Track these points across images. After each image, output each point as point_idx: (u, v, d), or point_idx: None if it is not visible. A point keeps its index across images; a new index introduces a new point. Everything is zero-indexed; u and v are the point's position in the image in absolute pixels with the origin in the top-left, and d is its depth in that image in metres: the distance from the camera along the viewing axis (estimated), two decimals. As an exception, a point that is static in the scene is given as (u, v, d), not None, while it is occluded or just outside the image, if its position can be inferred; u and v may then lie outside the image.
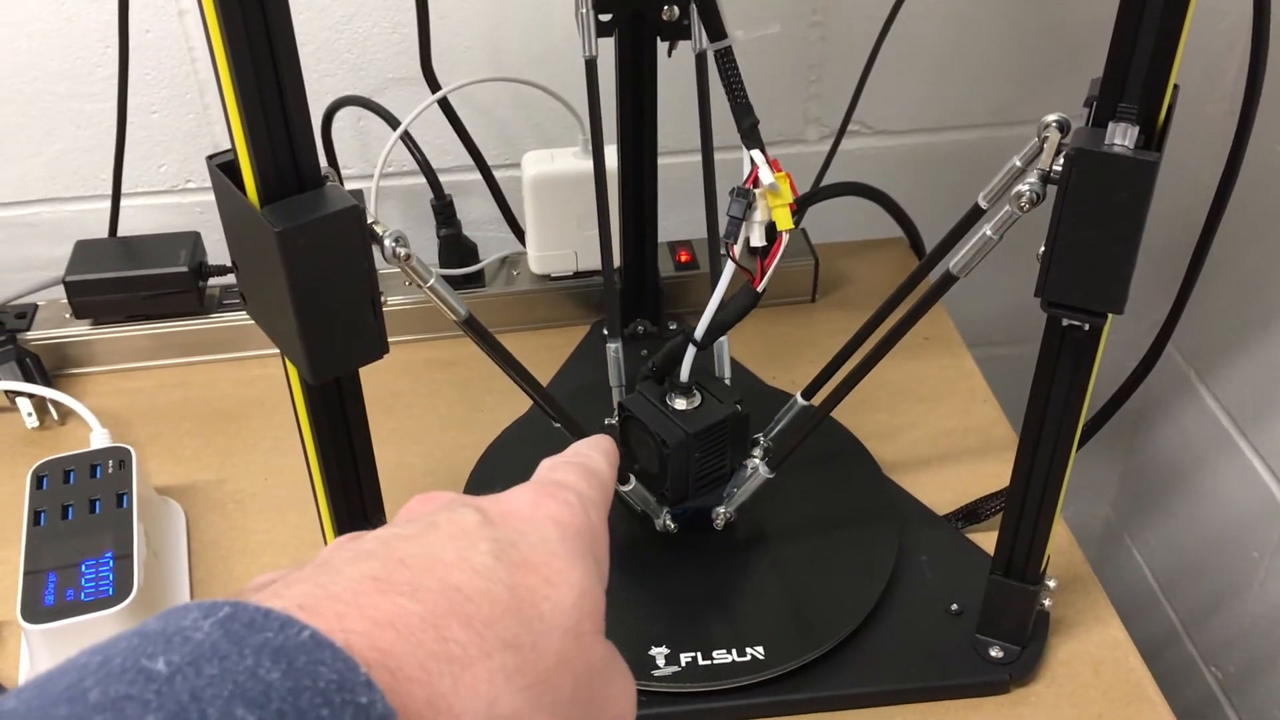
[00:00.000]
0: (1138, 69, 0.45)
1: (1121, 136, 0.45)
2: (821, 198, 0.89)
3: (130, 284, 0.81)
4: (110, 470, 0.68)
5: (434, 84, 0.84)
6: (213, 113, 0.90)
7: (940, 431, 0.79)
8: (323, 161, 0.48)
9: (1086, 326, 0.50)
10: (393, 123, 0.83)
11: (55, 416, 0.80)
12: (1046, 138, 0.50)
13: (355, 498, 0.54)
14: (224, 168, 0.47)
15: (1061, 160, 0.47)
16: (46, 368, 0.81)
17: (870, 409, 0.79)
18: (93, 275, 0.81)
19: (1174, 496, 1.13)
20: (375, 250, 0.48)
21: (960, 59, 0.97)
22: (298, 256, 0.44)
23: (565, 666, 0.29)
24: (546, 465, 0.38)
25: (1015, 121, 1.00)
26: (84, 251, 0.83)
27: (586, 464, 0.38)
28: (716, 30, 0.58)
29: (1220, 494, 1.05)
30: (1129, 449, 1.20)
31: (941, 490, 0.74)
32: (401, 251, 0.49)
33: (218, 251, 0.82)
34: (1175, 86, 0.47)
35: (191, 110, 0.90)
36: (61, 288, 0.81)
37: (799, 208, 0.90)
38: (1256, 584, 1.01)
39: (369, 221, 0.48)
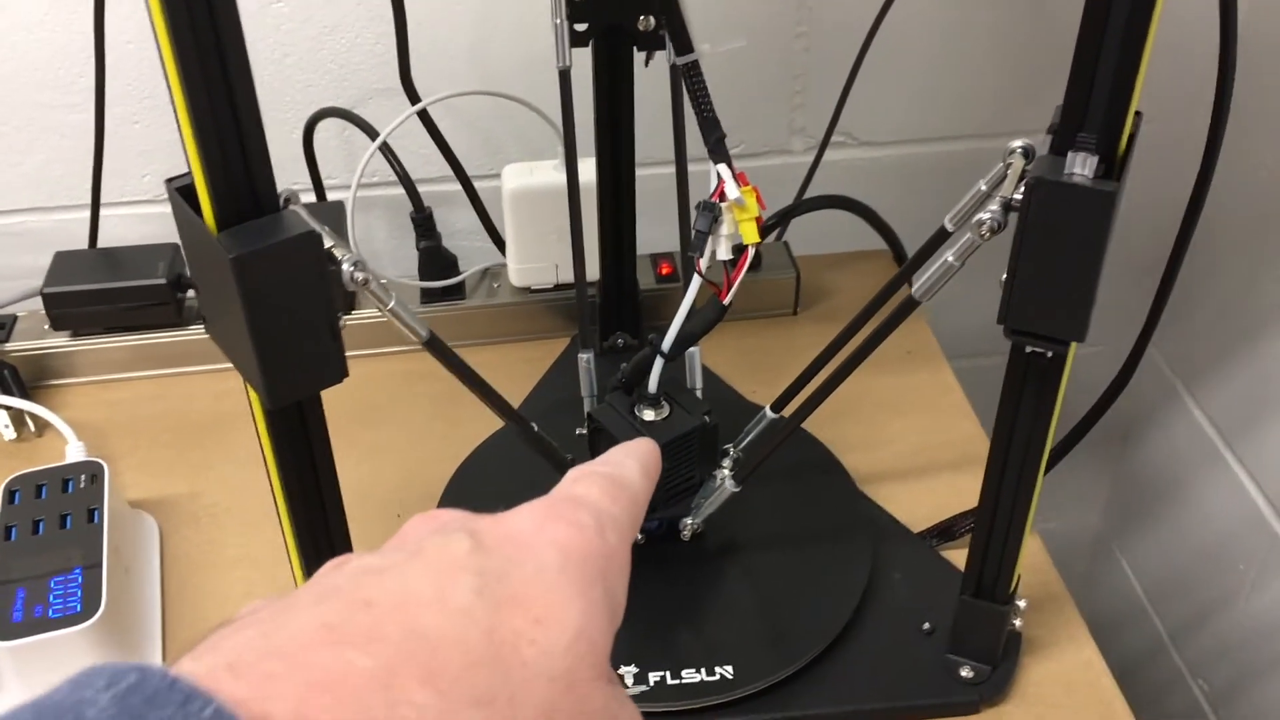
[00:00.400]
0: (1098, 98, 0.45)
1: (1081, 166, 0.45)
2: (803, 210, 0.89)
3: (108, 296, 0.81)
4: (82, 485, 0.68)
5: (413, 96, 0.84)
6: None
7: (918, 446, 0.79)
8: (290, 180, 0.48)
9: (1050, 354, 0.50)
10: (372, 134, 0.83)
11: (32, 428, 0.80)
12: (1011, 163, 0.50)
13: (319, 520, 0.54)
14: (182, 191, 0.47)
15: (1023, 188, 0.46)
16: (25, 379, 0.81)
17: (849, 422, 0.78)
18: (71, 287, 0.81)
19: (1162, 508, 1.13)
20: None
21: (947, 70, 0.97)
22: (254, 282, 0.44)
23: (551, 716, 0.26)
24: (571, 475, 0.34)
25: (1002, 133, 0.99)
26: (63, 263, 0.83)
27: (615, 474, 0.33)
28: (683, 44, 0.58)
29: (1207, 506, 1.05)
30: (1118, 459, 1.20)
31: (917, 506, 0.73)
32: (360, 276, 0.49)
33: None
34: (1138, 114, 0.47)
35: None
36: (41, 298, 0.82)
37: (781, 220, 0.90)
38: (1243, 597, 1.01)
39: (328, 245, 0.48)
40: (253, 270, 0.44)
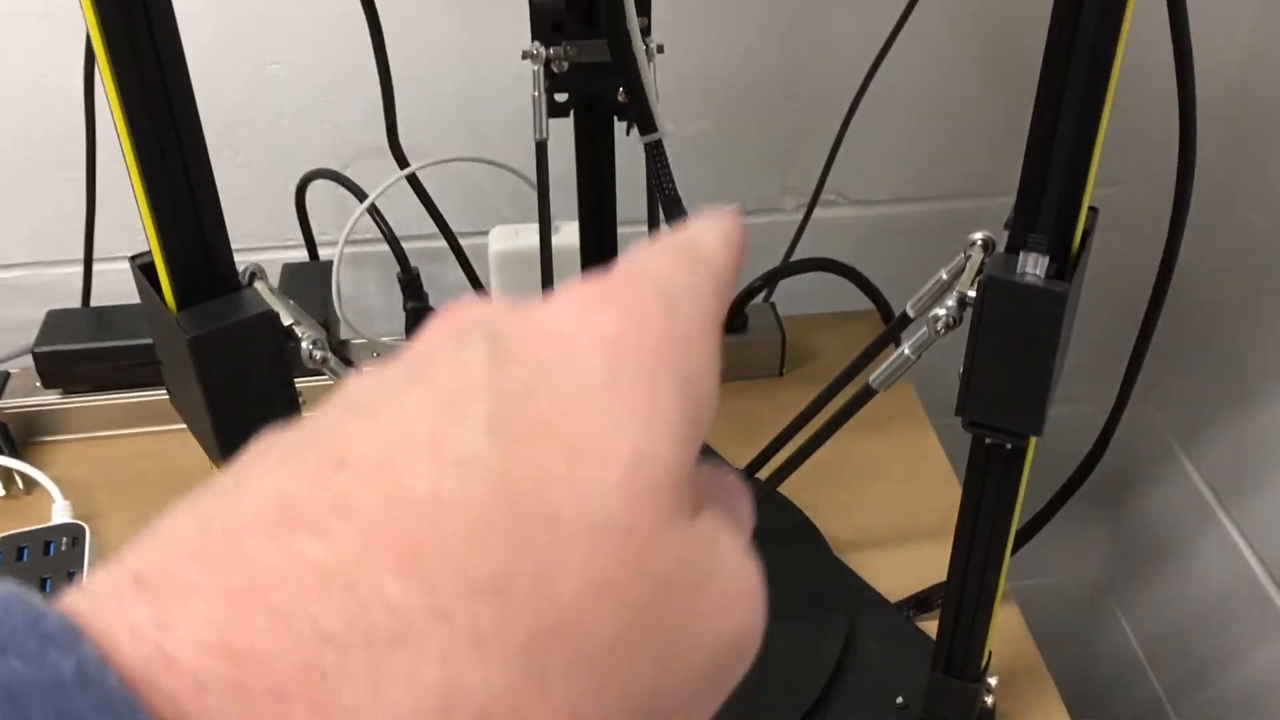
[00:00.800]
0: (1050, 198, 0.45)
1: (1033, 266, 0.45)
2: (789, 274, 0.89)
3: (99, 355, 0.82)
4: (64, 548, 0.69)
5: (401, 160, 0.85)
6: (192, 179, 0.91)
7: (899, 513, 0.79)
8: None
9: (1009, 446, 0.50)
10: (361, 196, 0.84)
11: (21, 486, 0.81)
12: (970, 256, 0.50)
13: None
14: (145, 269, 0.48)
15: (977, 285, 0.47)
16: (15, 436, 0.82)
17: (829, 487, 0.78)
18: (62, 347, 0.82)
19: (1159, 566, 1.13)
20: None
21: (938, 129, 0.97)
22: (210, 362, 0.45)
23: (602, 595, 0.18)
24: (634, 249, 0.25)
25: (992, 193, 1.00)
26: (54, 322, 0.84)
27: (689, 244, 0.25)
28: (647, 124, 0.59)
29: (1202, 567, 1.04)
30: (1115, 515, 1.20)
31: (895, 574, 0.73)
32: (319, 355, 0.49)
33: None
34: (1093, 210, 0.47)
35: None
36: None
37: (768, 282, 0.91)
38: (1238, 660, 1.00)
39: (288, 323, 0.49)
40: (209, 351, 0.45)
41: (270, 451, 0.20)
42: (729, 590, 0.21)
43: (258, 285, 0.48)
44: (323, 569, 0.17)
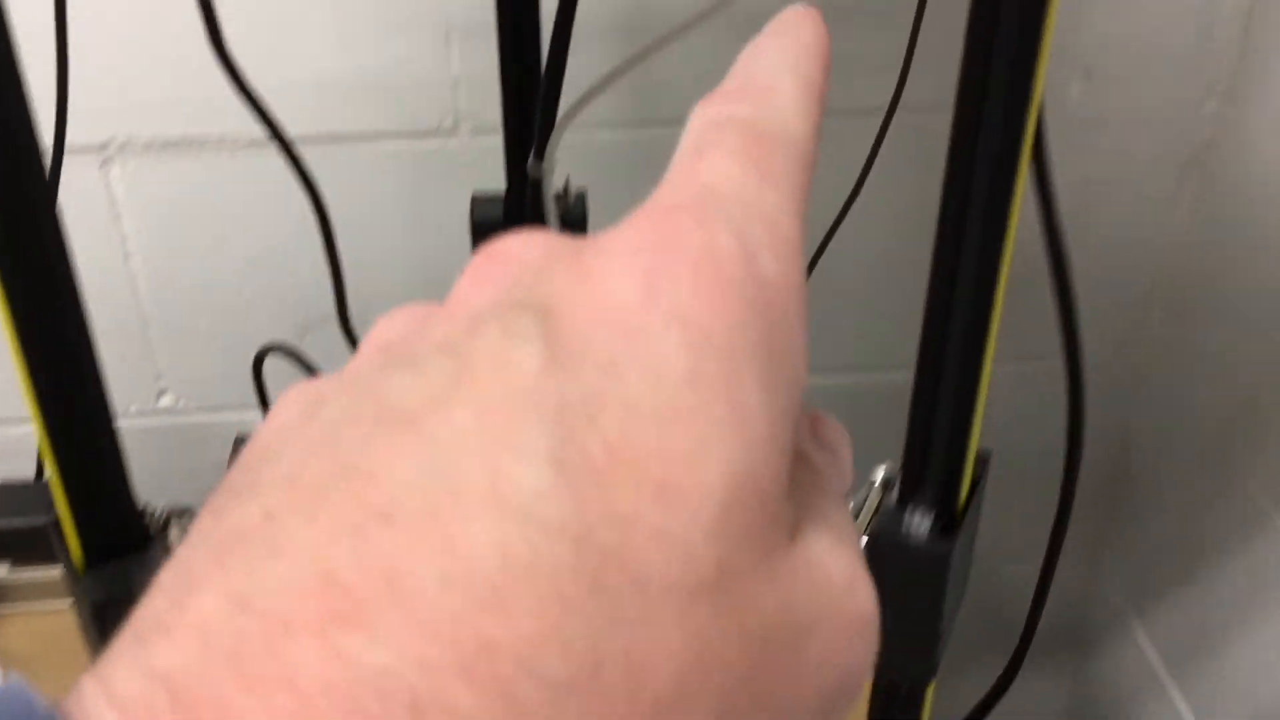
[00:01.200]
0: (935, 452, 0.47)
1: (919, 523, 0.46)
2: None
3: (51, 531, 0.83)
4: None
5: (353, 339, 0.87)
6: (156, 347, 0.93)
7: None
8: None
9: (905, 687, 0.51)
10: (313, 371, 0.85)
11: (-36, 662, 0.81)
12: (868, 497, 0.51)
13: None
14: (54, 526, 0.49)
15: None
16: (-38, 609, 0.83)
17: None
18: (12, 525, 0.82)
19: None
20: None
21: (891, 298, 0.99)
22: (112, 626, 0.46)
23: (700, 673, 0.15)
24: (692, 132, 0.19)
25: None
26: (4, 495, 0.85)
27: (761, 116, 0.19)
28: None
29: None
30: (1074, 679, 1.19)
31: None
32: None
33: (145, 489, 0.85)
34: (984, 457, 0.48)
35: (134, 342, 0.94)
36: (-15, 527, 0.84)
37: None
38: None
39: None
40: (109, 617, 0.46)
41: (296, 469, 0.16)
42: (838, 626, 0.17)
43: (173, 533, 0.49)
44: (381, 682, 0.13)
